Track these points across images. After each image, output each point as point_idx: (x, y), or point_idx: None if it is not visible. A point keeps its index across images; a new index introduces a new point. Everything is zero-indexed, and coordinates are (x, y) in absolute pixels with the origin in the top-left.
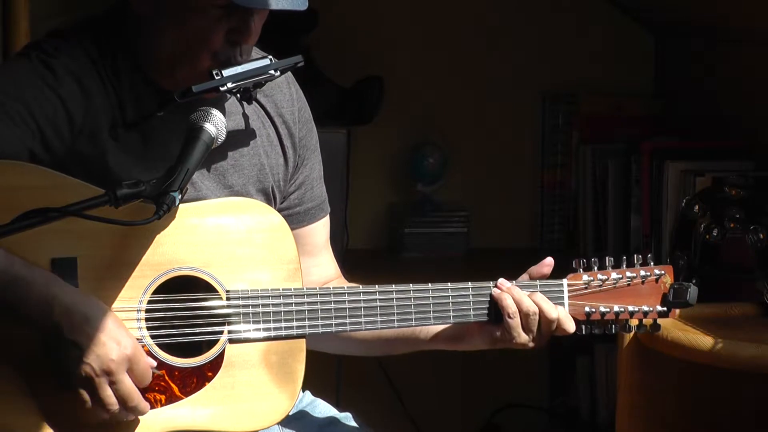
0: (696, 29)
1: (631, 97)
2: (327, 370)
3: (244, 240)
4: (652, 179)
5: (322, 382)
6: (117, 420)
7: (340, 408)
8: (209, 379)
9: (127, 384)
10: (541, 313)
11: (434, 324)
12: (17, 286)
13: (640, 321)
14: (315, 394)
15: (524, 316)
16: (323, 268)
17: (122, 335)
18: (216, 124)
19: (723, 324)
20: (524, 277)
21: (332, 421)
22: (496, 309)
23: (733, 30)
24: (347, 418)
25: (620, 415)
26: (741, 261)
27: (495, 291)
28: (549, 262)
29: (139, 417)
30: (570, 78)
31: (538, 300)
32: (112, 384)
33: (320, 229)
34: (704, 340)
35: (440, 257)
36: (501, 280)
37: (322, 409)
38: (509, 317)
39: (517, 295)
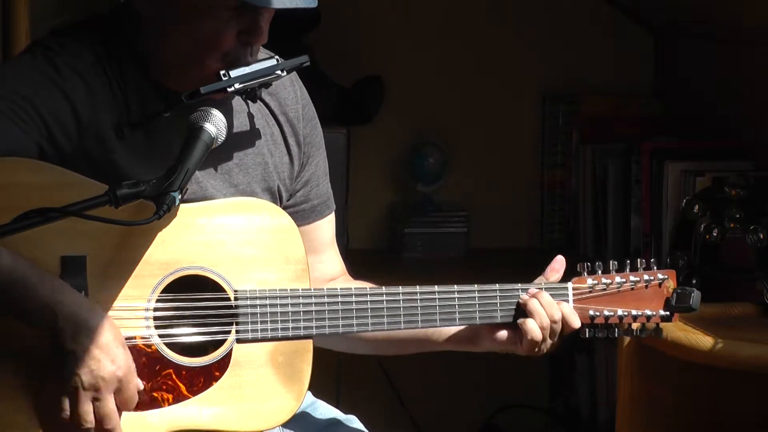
0: (696, 29)
1: (631, 97)
2: (327, 371)
3: (252, 240)
4: (652, 179)
5: (322, 383)
6: None
7: (342, 409)
8: (216, 379)
9: (110, 405)
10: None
11: (440, 326)
12: (24, 288)
13: (643, 325)
14: (315, 394)
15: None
16: (328, 265)
17: (119, 354)
18: (216, 124)
19: (723, 324)
20: (539, 280)
21: (334, 422)
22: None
23: (733, 30)
24: (351, 421)
25: (620, 414)
26: (741, 261)
27: (523, 297)
28: (560, 262)
29: (146, 416)
30: (570, 78)
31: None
32: (95, 401)
33: (326, 226)
34: (704, 340)
35: (440, 257)
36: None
37: (323, 410)
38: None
39: (533, 306)
